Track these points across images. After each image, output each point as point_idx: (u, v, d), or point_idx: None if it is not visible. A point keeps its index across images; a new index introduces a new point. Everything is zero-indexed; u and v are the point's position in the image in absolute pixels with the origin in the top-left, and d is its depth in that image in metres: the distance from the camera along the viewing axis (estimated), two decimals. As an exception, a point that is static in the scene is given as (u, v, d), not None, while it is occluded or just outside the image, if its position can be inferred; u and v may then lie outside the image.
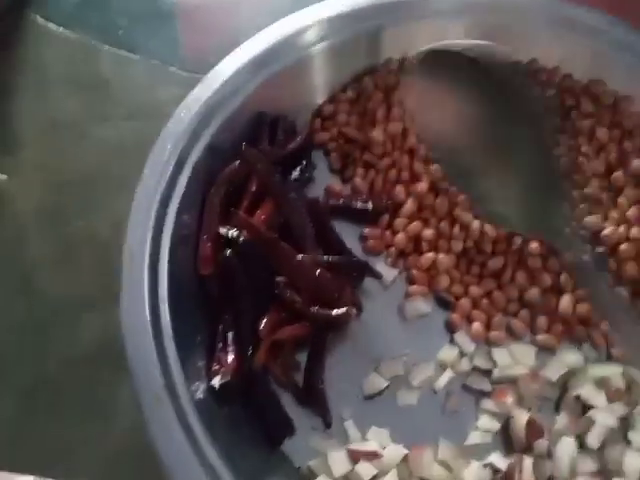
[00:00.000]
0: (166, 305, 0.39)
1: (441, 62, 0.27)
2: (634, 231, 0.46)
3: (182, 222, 0.43)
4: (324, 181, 0.52)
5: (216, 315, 0.42)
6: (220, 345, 0.41)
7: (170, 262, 0.41)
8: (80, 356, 0.46)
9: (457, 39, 0.53)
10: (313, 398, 0.42)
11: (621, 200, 0.48)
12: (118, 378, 0.43)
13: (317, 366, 0.43)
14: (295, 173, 0.50)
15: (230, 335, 0.40)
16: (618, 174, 0.49)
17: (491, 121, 0.27)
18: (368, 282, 0.47)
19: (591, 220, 0.47)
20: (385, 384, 0.43)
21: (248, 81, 0.48)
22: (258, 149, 0.48)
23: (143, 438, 0.35)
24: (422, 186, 0.49)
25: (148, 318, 0.38)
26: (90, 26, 0.64)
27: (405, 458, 0.40)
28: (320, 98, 0.54)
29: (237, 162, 0.47)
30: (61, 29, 0.64)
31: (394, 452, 0.40)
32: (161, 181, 0.43)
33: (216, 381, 0.38)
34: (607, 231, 0.46)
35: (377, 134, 0.52)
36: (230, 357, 0.40)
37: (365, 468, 0.39)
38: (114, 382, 0.43)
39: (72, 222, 0.52)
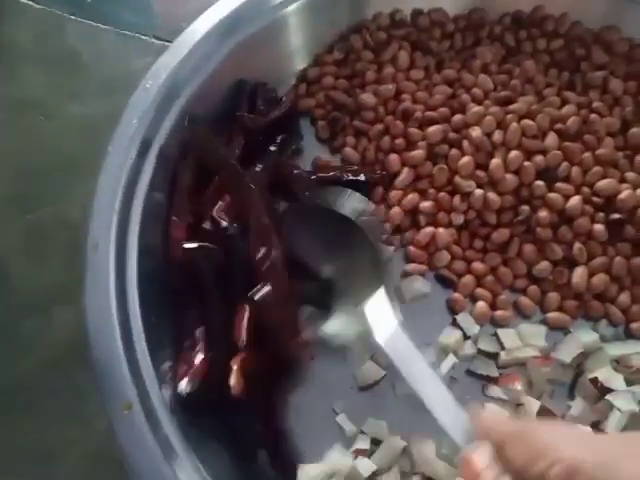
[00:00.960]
0: (135, 300, 0.35)
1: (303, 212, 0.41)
2: (655, 194, 0.42)
3: (152, 205, 0.39)
4: (312, 152, 0.48)
5: (182, 309, 0.38)
6: (188, 343, 0.37)
7: (139, 250, 0.37)
8: (54, 354, 0.43)
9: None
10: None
11: (638, 160, 0.44)
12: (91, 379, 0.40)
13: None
14: (279, 145, 0.46)
15: (198, 333, 0.36)
16: (636, 130, 0.45)
17: (340, 245, 0.39)
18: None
19: (605, 184, 0.42)
20: (382, 373, 0.40)
21: (220, 46, 0.43)
22: (237, 118, 0.44)
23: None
24: (418, 154, 0.45)
25: (115, 315, 0.34)
26: (56, -5, 0.60)
27: (405, 452, 0.37)
28: (303, 61, 0.50)
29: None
30: (25, 0, 0.59)
31: (393, 445, 0.37)
32: (127, 160, 0.39)
33: (182, 387, 0.34)
34: (624, 195, 0.42)
35: (367, 97, 0.47)
36: (198, 357, 0.36)
37: (365, 464, 0.36)
38: (87, 384, 0.40)
39: (41, 209, 0.49)
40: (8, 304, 0.46)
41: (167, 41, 0.56)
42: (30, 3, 0.59)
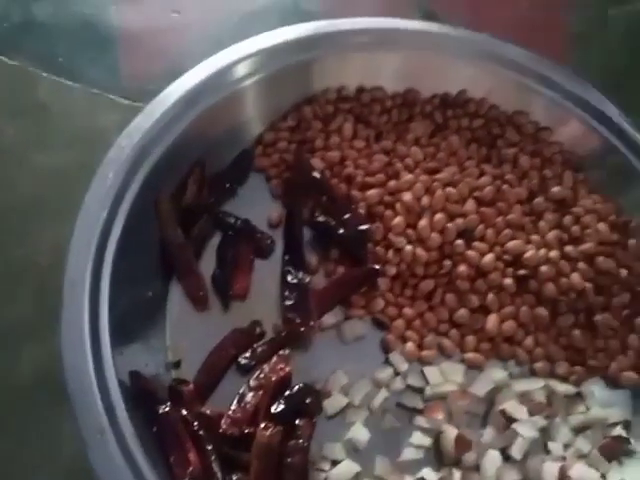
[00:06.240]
0: (107, 336, 0.39)
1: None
2: (553, 254, 0.49)
3: (124, 250, 0.43)
4: (266, 207, 0.53)
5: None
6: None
7: (111, 290, 0.41)
8: (19, 388, 0.46)
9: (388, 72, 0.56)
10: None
11: (541, 224, 0.51)
12: (59, 409, 0.42)
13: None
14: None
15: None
16: (539, 200, 0.52)
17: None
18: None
19: (514, 244, 0.50)
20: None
21: (187, 112, 0.49)
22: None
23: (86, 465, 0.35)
24: (359, 213, 0.52)
25: (89, 350, 0.38)
26: (29, 53, 0.63)
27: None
28: (259, 127, 0.56)
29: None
30: (-1, 57, 0.63)
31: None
32: (102, 209, 0.44)
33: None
34: (528, 254, 0.49)
35: (316, 162, 0.54)
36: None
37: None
38: (54, 413, 0.43)
39: (10, 251, 0.52)
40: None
41: (132, 100, 0.60)
42: (4, 59, 0.62)
